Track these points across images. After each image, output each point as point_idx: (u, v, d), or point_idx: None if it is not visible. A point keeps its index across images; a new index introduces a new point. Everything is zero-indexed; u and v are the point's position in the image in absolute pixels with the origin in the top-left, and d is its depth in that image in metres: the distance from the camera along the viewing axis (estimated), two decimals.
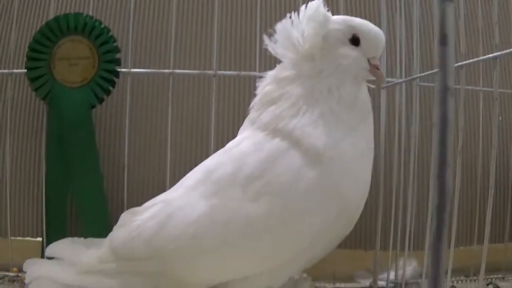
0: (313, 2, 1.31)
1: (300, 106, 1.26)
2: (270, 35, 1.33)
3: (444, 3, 0.62)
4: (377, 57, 1.32)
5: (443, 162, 0.59)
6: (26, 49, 1.71)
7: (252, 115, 1.35)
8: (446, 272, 1.26)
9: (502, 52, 1.18)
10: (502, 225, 1.89)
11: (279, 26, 1.33)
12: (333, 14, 1.30)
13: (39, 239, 1.78)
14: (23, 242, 1.80)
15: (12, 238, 1.77)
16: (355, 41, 1.30)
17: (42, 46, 1.69)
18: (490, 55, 1.22)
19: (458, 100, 1.33)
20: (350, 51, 1.29)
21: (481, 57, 1.30)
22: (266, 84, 1.34)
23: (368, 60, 1.30)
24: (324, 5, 1.29)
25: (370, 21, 1.31)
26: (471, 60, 1.29)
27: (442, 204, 0.59)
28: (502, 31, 1.91)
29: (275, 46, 1.33)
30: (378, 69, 1.31)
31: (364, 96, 1.33)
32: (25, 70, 1.71)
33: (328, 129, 1.23)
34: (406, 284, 1.50)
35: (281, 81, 1.31)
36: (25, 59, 1.71)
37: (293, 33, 1.31)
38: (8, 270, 1.73)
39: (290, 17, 1.32)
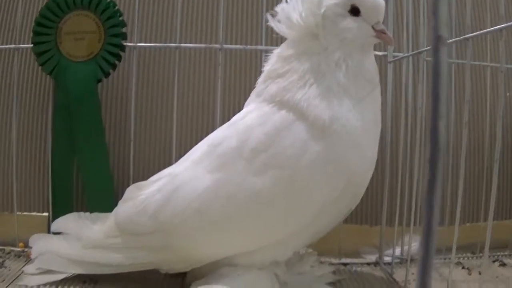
0: None
1: (307, 79, 1.26)
2: (273, 15, 1.33)
3: None
4: (380, 21, 1.31)
5: (436, 114, 0.58)
6: (33, 24, 1.70)
7: (258, 87, 1.35)
8: (451, 248, 1.27)
9: (508, 24, 1.16)
10: (509, 202, 1.88)
11: (279, 8, 1.33)
12: None
13: (46, 214, 1.79)
14: (29, 217, 1.80)
15: (18, 213, 1.77)
16: (355, 11, 1.29)
17: (48, 20, 1.69)
18: (496, 27, 1.21)
19: (464, 73, 1.32)
20: (352, 23, 1.28)
21: (487, 29, 1.28)
22: (272, 62, 1.35)
23: (373, 27, 1.30)
24: None
25: None
26: (476, 33, 1.28)
27: (434, 158, 0.58)
28: (508, 3, 1.89)
29: (279, 25, 1.33)
30: (384, 33, 1.30)
31: (372, 67, 1.33)
32: (32, 45, 1.71)
33: (335, 102, 1.23)
34: (412, 260, 1.49)
35: (287, 58, 1.31)
36: (31, 34, 1.71)
37: (292, 14, 1.31)
38: (14, 245, 1.73)
39: (286, 0, 1.32)
